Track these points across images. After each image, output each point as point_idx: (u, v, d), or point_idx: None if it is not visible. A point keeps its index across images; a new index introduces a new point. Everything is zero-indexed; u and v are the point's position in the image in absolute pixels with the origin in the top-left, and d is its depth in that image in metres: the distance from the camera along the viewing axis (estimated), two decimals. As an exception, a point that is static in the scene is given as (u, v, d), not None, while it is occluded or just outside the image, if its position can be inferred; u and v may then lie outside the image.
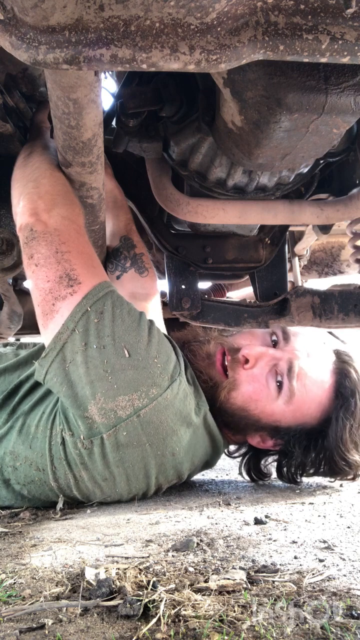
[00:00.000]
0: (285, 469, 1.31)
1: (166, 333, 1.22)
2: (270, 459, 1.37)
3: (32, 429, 1.14)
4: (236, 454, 1.38)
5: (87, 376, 1.02)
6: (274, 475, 1.37)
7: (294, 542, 0.87)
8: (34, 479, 1.14)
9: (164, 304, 1.65)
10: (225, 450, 1.33)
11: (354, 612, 0.61)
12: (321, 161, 1.29)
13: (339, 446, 1.19)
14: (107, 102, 1.24)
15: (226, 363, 1.25)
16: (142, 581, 0.69)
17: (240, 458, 1.38)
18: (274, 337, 1.27)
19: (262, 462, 1.37)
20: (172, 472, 1.13)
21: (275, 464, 1.35)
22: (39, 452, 1.12)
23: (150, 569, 0.74)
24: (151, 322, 1.10)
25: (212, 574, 0.73)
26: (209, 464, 1.27)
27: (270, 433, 1.24)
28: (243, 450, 1.37)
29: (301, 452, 1.24)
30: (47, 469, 1.11)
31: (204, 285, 2.23)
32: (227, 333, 1.40)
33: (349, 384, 1.22)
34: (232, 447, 1.36)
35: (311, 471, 1.29)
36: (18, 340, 2.45)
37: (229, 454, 1.37)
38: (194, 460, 1.17)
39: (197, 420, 1.13)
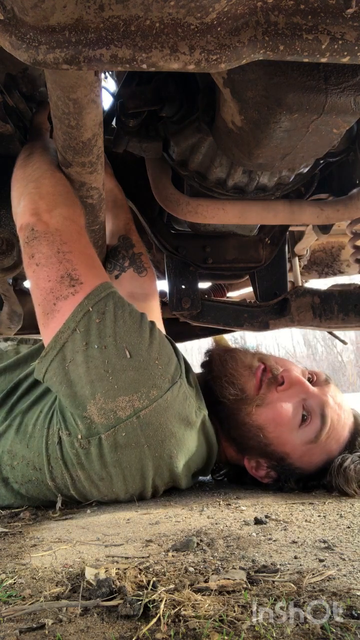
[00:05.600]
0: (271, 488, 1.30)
1: (165, 334, 1.22)
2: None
3: (30, 428, 1.14)
4: (218, 474, 1.39)
5: (87, 376, 1.02)
6: None
7: (294, 542, 0.87)
8: (31, 478, 1.13)
9: (164, 304, 1.65)
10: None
11: (354, 612, 0.61)
12: (321, 161, 1.29)
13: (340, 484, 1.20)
14: (107, 102, 1.24)
15: (263, 378, 1.26)
16: (142, 581, 0.69)
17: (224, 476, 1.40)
18: (309, 377, 1.29)
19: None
20: (168, 475, 1.12)
21: None
22: (36, 451, 1.12)
23: (150, 569, 0.74)
24: (152, 323, 1.10)
25: (212, 574, 0.73)
26: (203, 471, 1.27)
27: (270, 462, 1.24)
28: (224, 471, 1.38)
29: (294, 486, 1.25)
30: (44, 468, 1.11)
31: (204, 285, 2.23)
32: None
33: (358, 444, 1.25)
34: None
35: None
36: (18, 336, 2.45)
37: (212, 473, 1.37)
38: (190, 465, 1.16)
39: (195, 424, 1.13)
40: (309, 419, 1.20)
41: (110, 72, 1.42)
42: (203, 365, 1.40)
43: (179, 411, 1.07)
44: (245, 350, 1.37)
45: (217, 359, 1.36)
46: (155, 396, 1.03)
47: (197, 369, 1.35)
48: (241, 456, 1.27)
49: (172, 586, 0.68)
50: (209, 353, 1.41)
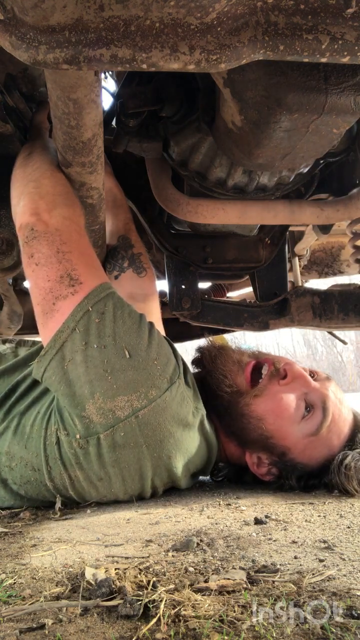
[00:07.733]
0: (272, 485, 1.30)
1: (165, 334, 1.22)
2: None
3: (27, 429, 1.14)
4: (218, 475, 1.39)
5: (86, 375, 1.02)
6: None
7: (294, 542, 0.87)
8: (29, 479, 1.13)
9: (163, 304, 1.65)
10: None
11: (354, 612, 0.61)
12: (321, 161, 1.29)
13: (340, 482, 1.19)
14: (107, 102, 1.24)
15: (263, 372, 1.26)
16: (142, 581, 0.69)
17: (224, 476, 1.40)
18: (310, 374, 1.30)
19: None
20: (166, 475, 1.12)
21: None
22: (34, 452, 1.12)
23: (150, 569, 0.74)
24: (151, 324, 1.10)
25: (212, 574, 0.73)
26: (203, 471, 1.26)
27: (272, 458, 1.24)
28: (223, 472, 1.38)
29: (295, 484, 1.25)
30: (42, 469, 1.11)
31: (204, 285, 2.23)
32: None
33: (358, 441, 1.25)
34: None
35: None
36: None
37: (211, 474, 1.36)
38: (189, 465, 1.16)
39: (193, 424, 1.13)
40: (312, 412, 1.20)
41: (110, 72, 1.42)
42: (194, 362, 1.40)
43: (176, 412, 1.07)
44: (237, 348, 1.37)
45: (207, 355, 1.36)
46: (154, 396, 1.03)
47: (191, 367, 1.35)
48: (242, 451, 1.27)
49: (172, 586, 0.68)
50: (200, 350, 1.41)
